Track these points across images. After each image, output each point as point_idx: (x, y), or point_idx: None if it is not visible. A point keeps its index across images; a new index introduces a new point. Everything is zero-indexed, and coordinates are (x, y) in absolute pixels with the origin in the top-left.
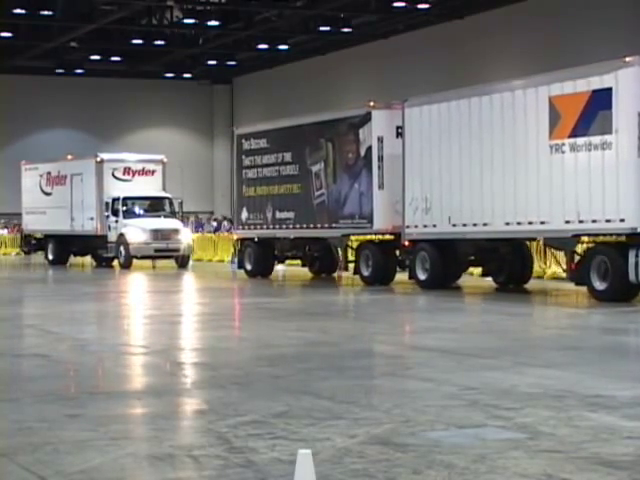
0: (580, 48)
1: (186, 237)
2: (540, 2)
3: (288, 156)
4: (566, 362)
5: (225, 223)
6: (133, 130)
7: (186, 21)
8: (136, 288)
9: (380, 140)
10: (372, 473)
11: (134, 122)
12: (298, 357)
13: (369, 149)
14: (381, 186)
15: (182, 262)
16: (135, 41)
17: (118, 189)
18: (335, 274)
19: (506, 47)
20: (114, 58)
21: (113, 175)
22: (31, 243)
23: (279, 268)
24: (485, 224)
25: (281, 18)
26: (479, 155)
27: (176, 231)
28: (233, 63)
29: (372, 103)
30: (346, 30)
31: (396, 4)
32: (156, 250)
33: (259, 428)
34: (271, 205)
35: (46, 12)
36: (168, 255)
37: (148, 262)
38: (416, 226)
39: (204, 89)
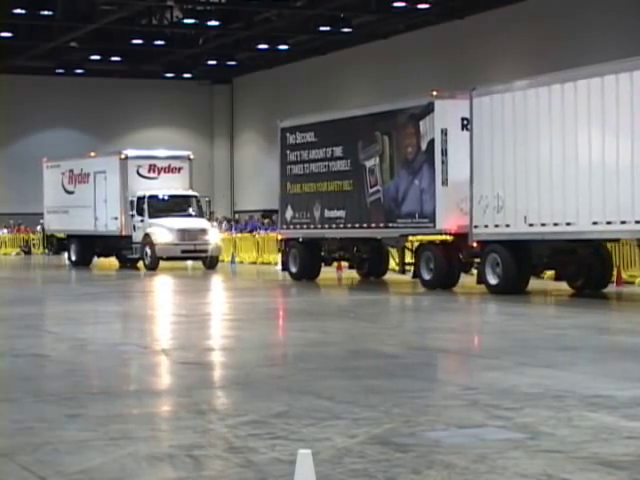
0: (580, 48)
1: (214, 237)
2: (540, 2)
3: (338, 150)
4: (566, 362)
5: (225, 223)
6: (133, 130)
7: (186, 21)
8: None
9: (444, 132)
10: (372, 473)
11: (134, 122)
12: (300, 357)
13: (431, 142)
14: (445, 182)
15: (210, 263)
16: (135, 41)
17: (143, 187)
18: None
19: (506, 47)
20: (114, 58)
21: (138, 173)
22: (53, 243)
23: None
24: (568, 223)
25: (281, 18)
26: (561, 147)
27: (204, 231)
28: (233, 63)
29: (435, 92)
30: (346, 30)
31: (396, 4)
32: (183, 251)
33: (259, 428)
34: (319, 203)
35: (46, 12)
36: (195, 256)
37: (176, 263)
38: (486, 226)
39: (204, 89)
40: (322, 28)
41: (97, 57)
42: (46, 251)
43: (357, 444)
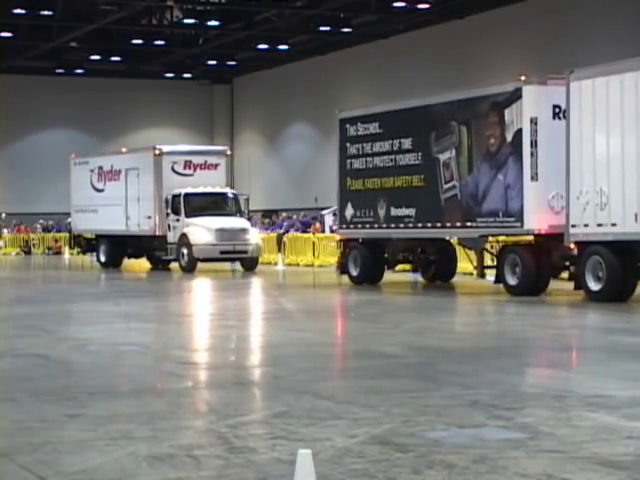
0: (581, 47)
1: (254, 237)
2: (540, 2)
3: (407, 143)
4: (566, 362)
5: None
6: (133, 130)
7: (186, 21)
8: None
9: (533, 122)
10: (372, 473)
11: (134, 122)
12: (300, 357)
13: (518, 133)
14: (534, 177)
15: (250, 265)
16: (135, 41)
17: (178, 184)
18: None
19: (506, 47)
20: (114, 58)
21: (173, 169)
22: (81, 244)
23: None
24: None
25: (281, 18)
26: None
27: (244, 231)
28: (233, 63)
29: (523, 77)
30: (346, 30)
31: (396, 4)
32: (222, 252)
33: (259, 428)
34: (384, 201)
35: (46, 12)
36: (235, 257)
37: (212, 264)
38: (586, 225)
39: (204, 89)
40: (322, 28)
41: (97, 57)
42: (46, 251)
43: (357, 444)
